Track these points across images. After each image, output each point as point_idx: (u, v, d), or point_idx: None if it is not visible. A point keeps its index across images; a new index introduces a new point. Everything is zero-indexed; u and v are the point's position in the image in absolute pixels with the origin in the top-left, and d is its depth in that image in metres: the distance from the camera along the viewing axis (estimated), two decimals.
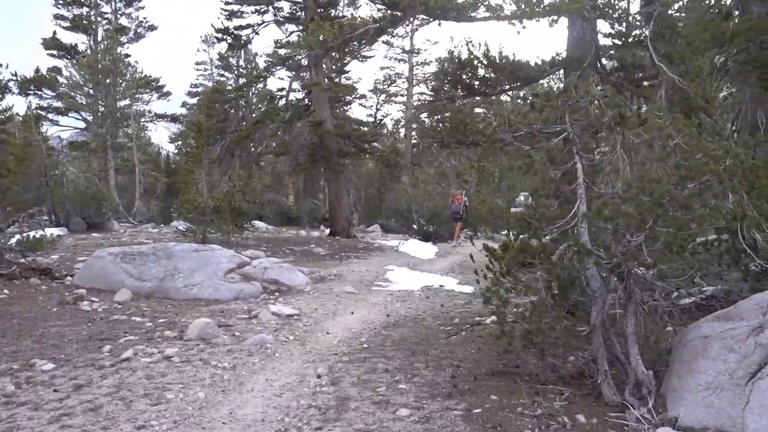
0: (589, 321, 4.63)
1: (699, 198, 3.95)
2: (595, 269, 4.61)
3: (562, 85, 7.04)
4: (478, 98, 7.55)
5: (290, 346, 6.62)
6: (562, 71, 7.07)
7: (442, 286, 11.47)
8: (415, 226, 23.28)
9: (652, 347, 4.95)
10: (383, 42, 35.63)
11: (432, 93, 7.43)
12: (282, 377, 5.48)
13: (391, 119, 40.13)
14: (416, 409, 4.55)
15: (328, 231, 21.34)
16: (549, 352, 5.10)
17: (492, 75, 6.94)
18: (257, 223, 26.72)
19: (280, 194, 34.67)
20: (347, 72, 20.79)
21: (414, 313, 8.73)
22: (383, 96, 39.45)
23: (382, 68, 38.83)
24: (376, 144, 21.94)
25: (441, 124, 7.48)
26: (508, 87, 7.23)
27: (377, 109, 39.22)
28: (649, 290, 4.53)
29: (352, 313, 8.67)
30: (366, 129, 22.54)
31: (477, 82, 7.14)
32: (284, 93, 19.63)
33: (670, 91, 6.31)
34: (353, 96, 21.48)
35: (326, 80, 19.50)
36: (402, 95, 39.14)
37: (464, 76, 7.09)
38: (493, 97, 7.36)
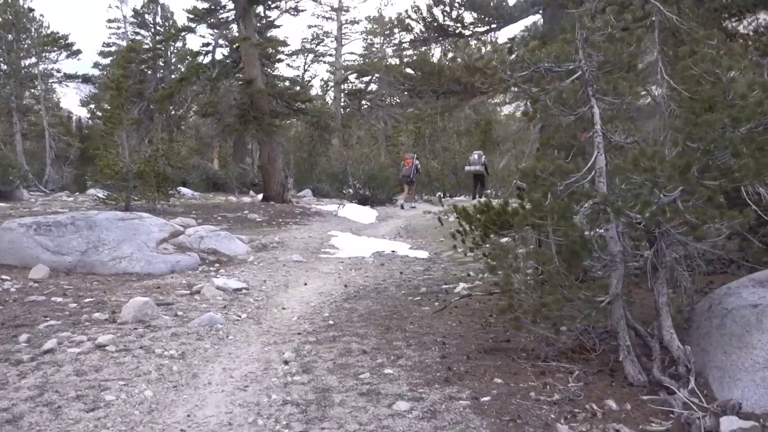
0: (609, 290, 4.00)
1: (752, 144, 3.35)
2: (614, 230, 3.97)
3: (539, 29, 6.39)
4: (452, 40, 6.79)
5: (244, 326, 5.76)
6: (540, 12, 6.42)
7: (394, 251, 10.77)
8: (350, 190, 22.48)
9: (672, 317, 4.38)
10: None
11: (406, 35, 6.55)
12: (242, 365, 4.65)
13: (320, 81, 38.75)
14: (415, 401, 3.82)
15: (260, 196, 20.26)
16: (565, 326, 4.45)
17: (468, 13, 6.21)
18: (183, 189, 25.23)
19: (205, 159, 33.07)
20: (278, 27, 19.41)
21: (373, 283, 8.00)
22: (311, 56, 38.05)
23: (309, 26, 37.38)
24: (310, 104, 20.79)
25: (414, 71, 6.65)
26: (485, 28, 6.50)
27: (305, 70, 37.85)
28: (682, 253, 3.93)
29: (306, 284, 7.86)
30: (299, 88, 21.35)
31: (451, 22, 6.36)
32: (209, 49, 18.22)
33: (663, 33, 5.71)
34: (285, 52, 20.13)
35: (256, 35, 18.21)
36: (330, 55, 37.86)
37: (438, 15, 6.31)
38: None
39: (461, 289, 7.24)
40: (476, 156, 19.18)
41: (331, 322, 5.91)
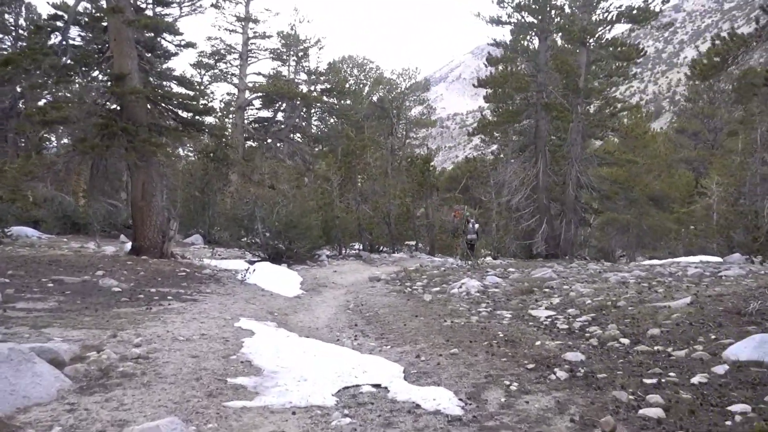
0: None
1: None
2: None
3: None
4: None
5: None
6: None
7: (380, 388, 5.27)
8: (257, 240, 16.60)
9: None
10: (212, 5, 28.55)
11: None
12: None
13: (219, 103, 32.60)
14: None
15: (129, 246, 14.14)
16: None
17: None
18: (23, 230, 18.56)
19: (68, 191, 26.24)
20: (168, 18, 13.39)
21: None
22: (210, 73, 31.82)
23: (209, 38, 31.27)
24: (209, 117, 14.75)
25: None
26: None
27: (201, 90, 31.44)
28: None
29: None
30: (195, 93, 15.36)
31: None
32: (61, 24, 12.17)
33: None
34: (176, 41, 14.19)
35: (132, 9, 12.39)
36: (233, 74, 31.76)
37: None
38: None
39: None
40: (471, 225, 19.32)
41: None
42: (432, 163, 26.74)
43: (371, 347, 6.86)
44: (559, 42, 23.45)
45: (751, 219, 8.57)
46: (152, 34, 13.96)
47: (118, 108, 12.51)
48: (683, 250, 28.32)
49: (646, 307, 7.64)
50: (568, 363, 5.80)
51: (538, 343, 6.55)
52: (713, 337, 6.11)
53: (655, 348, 5.99)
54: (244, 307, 8.95)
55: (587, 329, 7.06)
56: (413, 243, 23.81)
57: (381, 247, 22.03)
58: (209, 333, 6.89)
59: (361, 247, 21.76)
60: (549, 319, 7.79)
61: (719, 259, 14.86)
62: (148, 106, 12.99)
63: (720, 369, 5.25)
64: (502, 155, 25.77)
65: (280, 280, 11.94)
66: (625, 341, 6.31)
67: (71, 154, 12.24)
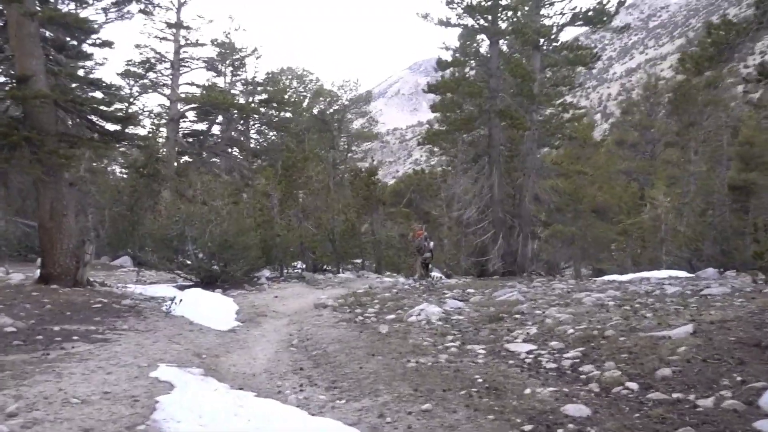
0: None
1: None
2: None
3: None
4: None
5: None
6: None
7: None
8: (188, 262, 14.99)
9: None
10: (141, 11, 26.69)
11: None
12: None
13: (150, 115, 30.48)
14: None
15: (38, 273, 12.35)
16: None
17: None
18: None
19: None
20: (91, 27, 11.83)
21: None
22: (139, 83, 29.77)
23: (137, 46, 29.27)
24: (130, 124, 12.87)
25: None
26: None
27: (130, 103, 29.31)
28: None
29: None
30: (113, 97, 13.63)
31: None
32: None
33: None
34: (90, 40, 12.51)
35: (34, 1, 10.76)
36: (165, 85, 29.84)
37: None
38: None
39: None
40: (427, 243, 18.43)
41: None
42: (377, 176, 25.68)
43: (321, 402, 5.51)
44: (506, 49, 22.75)
45: (752, 231, 7.66)
46: (66, 35, 12.29)
47: (22, 115, 10.85)
48: (631, 262, 27.87)
49: (641, 337, 6.55)
50: (572, 420, 4.61)
51: (527, 391, 5.35)
52: (739, 378, 5.02)
53: (674, 396, 4.86)
54: (165, 348, 7.46)
55: (580, 368, 5.91)
56: (359, 261, 22.56)
57: (325, 267, 20.69)
58: (115, 389, 5.42)
59: (304, 267, 20.37)
60: (531, 356, 6.62)
61: (688, 274, 14.09)
62: (60, 113, 11.35)
63: (765, 425, 4.16)
64: (450, 167, 24.84)
65: (212, 309, 10.46)
66: (633, 386, 5.18)
67: None
